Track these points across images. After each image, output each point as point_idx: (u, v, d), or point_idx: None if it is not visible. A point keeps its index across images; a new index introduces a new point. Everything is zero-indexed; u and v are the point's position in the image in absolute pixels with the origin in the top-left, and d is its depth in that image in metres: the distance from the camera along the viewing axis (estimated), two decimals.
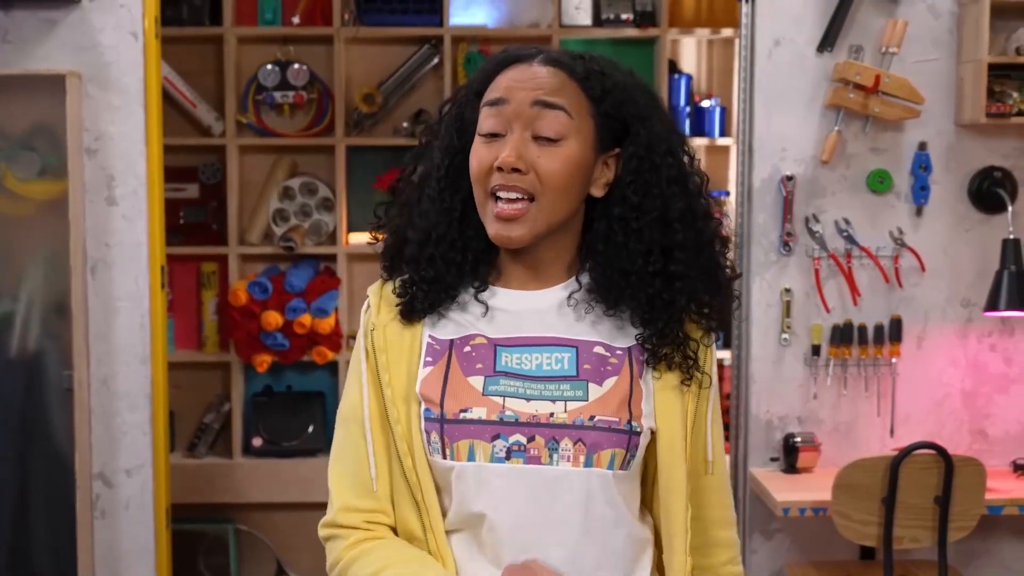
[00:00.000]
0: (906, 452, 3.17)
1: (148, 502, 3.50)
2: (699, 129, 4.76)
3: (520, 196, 1.53)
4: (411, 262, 1.60)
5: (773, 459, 3.62)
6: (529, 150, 1.53)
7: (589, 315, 1.59)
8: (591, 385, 1.55)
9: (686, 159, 1.60)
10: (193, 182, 4.71)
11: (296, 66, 4.62)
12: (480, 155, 1.55)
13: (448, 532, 1.57)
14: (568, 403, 1.54)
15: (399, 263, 1.62)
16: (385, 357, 1.59)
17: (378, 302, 1.63)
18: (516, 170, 1.52)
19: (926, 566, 3.36)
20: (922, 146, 3.57)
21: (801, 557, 3.66)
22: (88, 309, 3.43)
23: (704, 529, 1.65)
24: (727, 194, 4.75)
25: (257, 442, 4.61)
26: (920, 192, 3.57)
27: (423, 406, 1.56)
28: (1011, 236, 3.47)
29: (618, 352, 1.58)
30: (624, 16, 4.64)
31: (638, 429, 1.55)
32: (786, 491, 3.39)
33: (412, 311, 1.59)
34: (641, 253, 1.55)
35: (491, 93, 1.56)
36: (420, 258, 1.59)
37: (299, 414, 4.64)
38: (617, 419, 1.54)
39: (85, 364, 3.41)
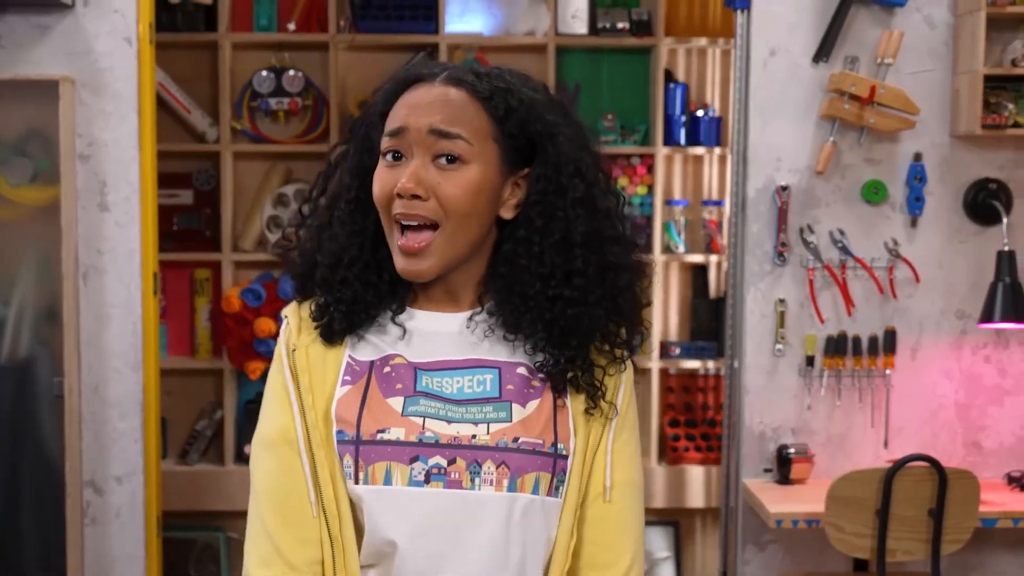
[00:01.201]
0: (900, 464, 3.16)
1: (139, 510, 3.49)
2: (694, 139, 4.76)
3: (423, 224, 1.47)
4: (323, 284, 1.53)
5: (766, 470, 3.61)
6: (430, 174, 1.47)
7: (498, 336, 1.53)
8: (515, 406, 1.49)
9: (601, 177, 1.54)
10: (187, 188, 4.70)
11: (291, 73, 4.61)
12: (382, 179, 1.49)
13: (362, 567, 1.49)
14: (491, 424, 1.48)
15: (310, 286, 1.56)
16: (307, 378, 1.52)
17: (298, 322, 1.56)
18: (416, 196, 1.46)
19: None
20: (917, 157, 3.56)
21: (794, 569, 3.65)
22: (79, 315, 3.42)
23: (586, 565, 1.54)
24: (721, 204, 4.75)
25: (249, 450, 4.58)
26: (915, 203, 3.56)
27: (336, 427, 1.49)
28: (1006, 248, 3.46)
29: (540, 375, 1.52)
30: (620, 25, 4.64)
31: (564, 452, 1.49)
32: (779, 502, 3.38)
33: (331, 332, 1.52)
34: (541, 277, 1.49)
35: (390, 123, 1.50)
36: (332, 281, 1.52)
37: None
38: (541, 441, 1.48)
39: (76, 371, 3.40)
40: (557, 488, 1.49)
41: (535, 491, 1.47)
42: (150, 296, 3.47)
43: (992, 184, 3.57)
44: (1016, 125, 3.44)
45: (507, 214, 1.52)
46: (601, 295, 1.51)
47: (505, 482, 1.46)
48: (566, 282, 1.49)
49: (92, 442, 3.46)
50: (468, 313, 1.54)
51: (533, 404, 1.50)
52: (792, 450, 3.54)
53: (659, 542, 4.75)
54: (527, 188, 1.51)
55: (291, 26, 4.63)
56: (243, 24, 4.64)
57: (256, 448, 1.55)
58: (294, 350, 1.53)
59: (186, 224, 4.68)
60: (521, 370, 1.52)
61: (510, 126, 1.49)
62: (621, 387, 1.56)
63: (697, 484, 4.72)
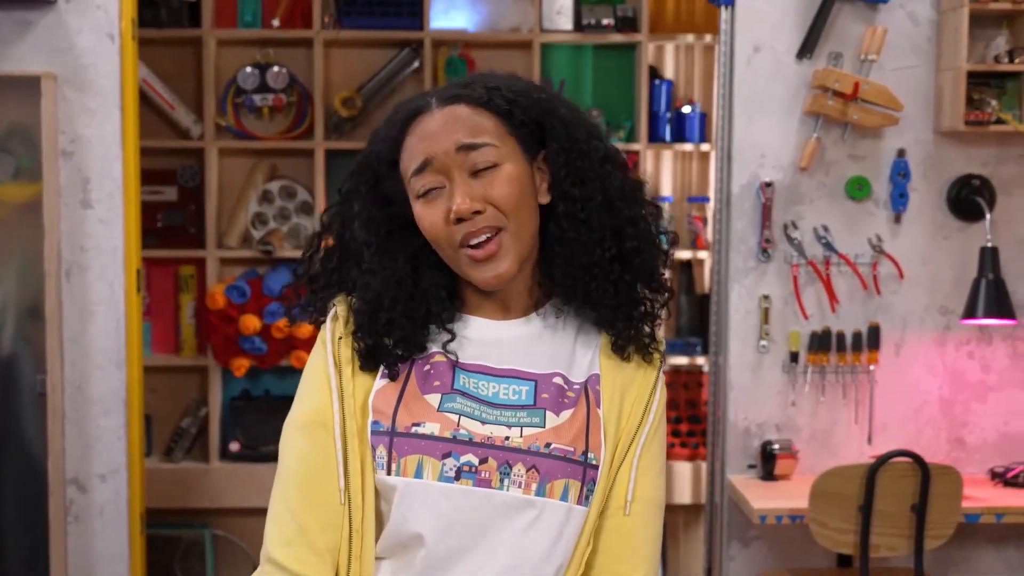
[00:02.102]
0: (883, 460, 3.17)
1: (123, 507, 3.48)
2: (679, 135, 4.76)
3: (489, 235, 1.48)
4: (366, 330, 1.54)
5: (751, 466, 3.62)
6: (474, 188, 1.48)
7: (551, 336, 1.56)
8: (548, 414, 1.51)
9: (597, 131, 1.57)
10: (171, 185, 4.68)
11: (275, 69, 4.60)
12: (430, 217, 1.50)
13: (376, 558, 1.51)
14: (524, 428, 1.49)
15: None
16: (350, 369, 1.54)
17: (346, 312, 1.57)
18: (476, 212, 1.47)
19: (903, 574, 3.36)
20: (901, 153, 3.57)
21: (778, 565, 3.65)
22: (63, 313, 3.40)
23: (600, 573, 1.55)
24: (706, 200, 4.75)
25: (234, 447, 4.59)
26: (899, 199, 3.57)
27: (371, 418, 1.51)
28: (989, 244, 3.47)
29: (575, 386, 1.54)
30: (605, 21, 4.64)
31: (595, 462, 1.51)
32: (763, 498, 3.38)
33: (390, 364, 1.54)
34: (595, 242, 1.52)
35: (411, 161, 1.51)
36: (377, 325, 1.52)
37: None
38: (572, 449, 1.49)
39: (59, 368, 3.38)
40: (587, 497, 1.50)
41: (564, 498, 1.48)
42: (133, 293, 3.46)
43: (975, 180, 3.58)
44: (999, 121, 3.45)
45: (544, 199, 1.54)
46: (649, 240, 1.56)
47: (534, 486, 1.47)
48: (620, 237, 1.53)
49: (76, 439, 3.45)
50: (519, 321, 1.56)
51: (567, 413, 1.51)
52: (776, 446, 3.55)
53: None
54: (551, 167, 1.54)
55: (275, 22, 4.62)
56: (227, 20, 4.63)
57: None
58: (340, 339, 1.54)
59: (170, 221, 4.67)
60: (557, 380, 1.54)
61: (516, 117, 1.52)
62: (655, 403, 1.57)
63: (682, 480, 4.73)
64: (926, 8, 3.54)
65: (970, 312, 3.48)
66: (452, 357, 1.53)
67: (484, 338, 1.55)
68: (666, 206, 4.80)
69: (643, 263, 1.55)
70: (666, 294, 1.59)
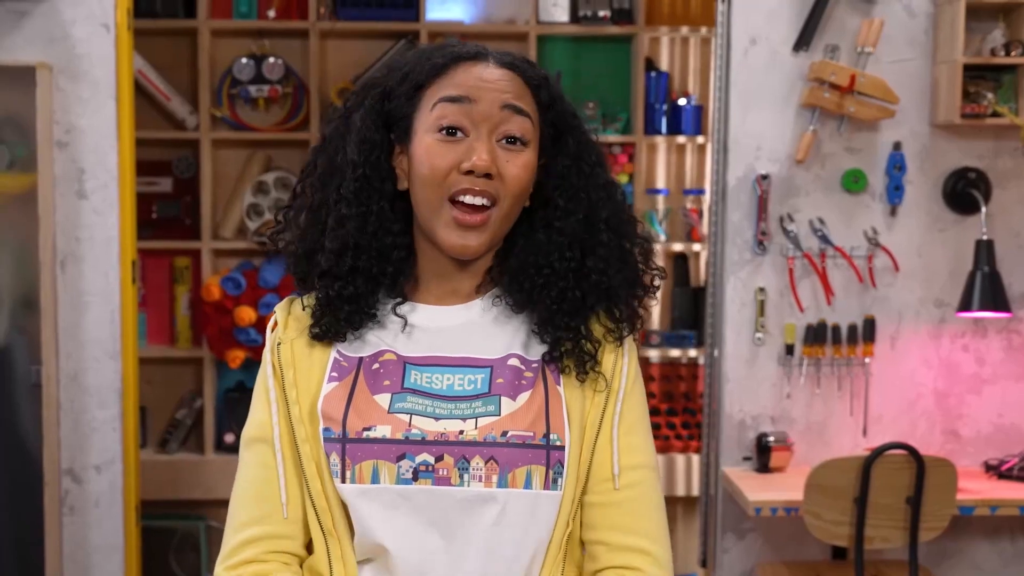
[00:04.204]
0: (878, 452, 3.18)
1: (118, 499, 3.48)
2: (675, 127, 4.76)
3: (486, 203, 1.44)
4: (326, 276, 1.48)
5: (746, 458, 3.62)
6: (498, 154, 1.45)
7: (499, 319, 1.52)
8: (504, 399, 1.45)
9: (602, 160, 1.56)
10: (167, 176, 4.67)
11: (271, 60, 4.59)
12: (439, 154, 1.44)
13: (359, 562, 1.47)
14: (479, 419, 1.44)
15: (312, 277, 1.51)
16: (292, 373, 1.49)
17: (285, 318, 1.53)
18: (489, 175, 1.43)
19: (897, 566, 3.37)
20: (897, 146, 3.57)
21: (773, 557, 3.66)
22: (57, 304, 3.40)
23: (605, 554, 1.50)
24: (702, 192, 4.75)
25: (229, 438, 4.58)
26: (894, 192, 3.57)
27: (323, 425, 1.45)
28: (984, 237, 3.48)
29: (533, 364, 1.49)
30: (601, 13, 4.63)
31: (559, 443, 1.44)
32: (758, 490, 3.39)
33: (334, 333, 1.49)
34: (559, 247, 1.49)
35: (451, 89, 1.45)
36: (340, 272, 1.47)
37: None
38: (531, 433, 1.43)
39: (54, 359, 3.38)
40: (555, 480, 1.44)
41: (527, 485, 1.42)
42: (128, 284, 3.45)
43: (971, 173, 3.58)
44: (995, 114, 3.45)
45: (526, 201, 1.53)
46: (618, 270, 1.51)
47: (495, 477, 1.42)
48: (586, 254, 1.50)
49: (71, 431, 3.44)
50: (472, 304, 1.52)
51: (524, 396, 1.46)
52: (771, 438, 3.55)
53: None
54: (544, 173, 1.51)
55: (271, 13, 4.61)
56: (223, 11, 4.62)
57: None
58: (279, 344, 1.50)
59: (166, 212, 4.66)
60: (513, 361, 1.49)
61: (551, 115, 1.51)
62: (624, 366, 1.51)
63: (677, 472, 4.73)
64: (922, 1, 3.53)
65: (965, 305, 3.48)
66: (400, 352, 1.49)
67: (433, 326, 1.50)
68: (661, 198, 4.80)
69: (604, 288, 1.50)
70: (624, 325, 1.52)
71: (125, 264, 3.44)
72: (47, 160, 3.33)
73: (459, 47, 1.49)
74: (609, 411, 1.49)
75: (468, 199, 1.44)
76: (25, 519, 3.37)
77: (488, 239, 1.46)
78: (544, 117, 1.50)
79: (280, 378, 1.49)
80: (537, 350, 1.50)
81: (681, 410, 4.78)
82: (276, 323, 1.53)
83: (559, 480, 1.44)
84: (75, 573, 3.47)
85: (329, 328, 1.49)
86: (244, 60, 4.59)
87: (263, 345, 1.57)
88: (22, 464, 3.37)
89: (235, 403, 4.61)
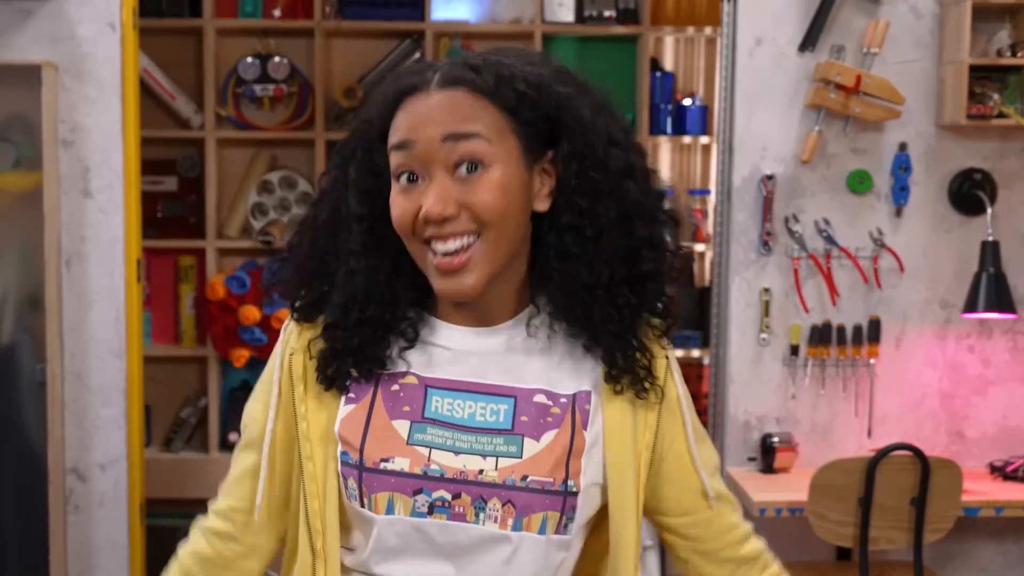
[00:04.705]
0: (883, 453, 3.17)
1: (122, 497, 3.48)
2: (680, 128, 4.75)
3: (462, 245, 1.34)
4: (334, 328, 1.42)
5: (750, 459, 3.62)
6: (453, 189, 1.33)
7: (534, 348, 1.43)
8: (527, 440, 1.39)
9: (622, 136, 1.41)
10: (171, 175, 4.68)
11: (276, 59, 4.59)
12: (400, 206, 1.36)
13: (353, 571, 1.44)
14: (500, 459, 1.38)
15: (320, 327, 1.44)
16: (303, 387, 1.43)
17: (299, 327, 1.46)
18: (447, 218, 1.33)
19: (902, 567, 3.36)
20: (902, 147, 3.56)
21: (777, 557, 3.64)
22: (62, 302, 3.40)
23: (729, 559, 1.55)
24: (707, 193, 4.75)
25: (234, 437, 4.57)
26: (900, 193, 3.57)
27: (340, 448, 1.41)
28: (990, 238, 3.47)
29: (562, 400, 1.42)
30: (607, 13, 4.63)
31: (574, 488, 1.39)
32: (763, 491, 3.38)
33: (340, 383, 1.43)
34: (604, 262, 1.38)
35: (393, 136, 1.36)
36: (345, 325, 1.41)
37: None
38: (551, 479, 1.38)
39: (59, 358, 3.38)
40: (566, 526, 1.40)
41: (542, 531, 1.39)
42: (133, 283, 3.46)
43: (977, 174, 3.57)
44: (1001, 115, 3.44)
45: (541, 206, 1.39)
46: (666, 263, 1.43)
47: (510, 520, 1.38)
48: (636, 259, 1.39)
49: (75, 429, 3.45)
50: (502, 328, 1.43)
51: (549, 436, 1.40)
52: (776, 439, 3.55)
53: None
54: (558, 171, 1.39)
55: (276, 12, 4.61)
56: (228, 10, 4.62)
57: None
58: (292, 355, 1.45)
59: (170, 211, 4.66)
60: (539, 398, 1.41)
61: (524, 113, 1.36)
62: (676, 379, 1.48)
63: None
64: (928, 1, 3.53)
65: (971, 306, 3.47)
66: (422, 373, 1.43)
67: (458, 349, 1.43)
68: (666, 199, 4.79)
69: (656, 288, 1.42)
70: (670, 320, 1.46)
71: (130, 263, 3.44)
72: (52, 159, 3.33)
73: (402, 79, 1.39)
74: (679, 436, 1.49)
75: (439, 247, 1.35)
76: (30, 517, 3.37)
77: (482, 275, 1.36)
78: (517, 118, 1.36)
79: (289, 390, 1.45)
80: (568, 384, 1.43)
81: None
82: (290, 327, 1.48)
83: (570, 526, 1.41)
84: (79, 572, 3.48)
85: (337, 376, 1.43)
86: (249, 59, 4.59)
87: (268, 344, 1.55)
88: (27, 463, 3.38)
89: (239, 402, 4.59)
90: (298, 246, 1.47)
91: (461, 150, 1.33)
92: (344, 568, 1.45)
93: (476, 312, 1.43)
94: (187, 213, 4.67)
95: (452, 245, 1.34)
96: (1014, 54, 3.44)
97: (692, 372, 4.81)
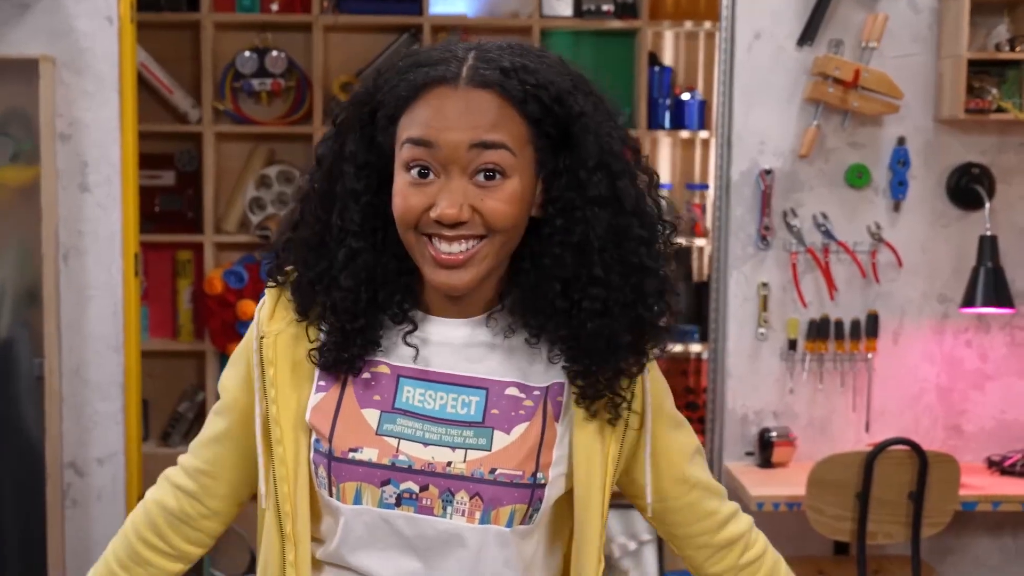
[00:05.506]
0: (881, 448, 3.17)
1: (120, 492, 3.48)
2: (678, 122, 4.75)
3: (468, 247, 1.34)
4: (340, 312, 1.39)
5: (748, 453, 3.62)
6: (469, 194, 1.32)
7: (508, 342, 1.42)
8: (497, 433, 1.39)
9: (629, 162, 1.39)
10: (169, 169, 4.67)
11: (274, 53, 4.59)
12: (409, 200, 1.34)
13: (324, 563, 1.44)
14: (469, 451, 1.38)
15: (318, 308, 1.42)
16: (273, 371, 1.42)
17: (274, 304, 1.44)
18: (460, 223, 1.32)
19: (899, 561, 3.37)
20: (901, 141, 3.56)
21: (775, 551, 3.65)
22: (60, 297, 3.40)
23: (706, 544, 1.55)
24: (706, 187, 4.75)
25: None
26: (898, 187, 3.57)
27: (314, 437, 1.41)
28: (988, 233, 3.47)
29: (535, 392, 1.41)
30: (605, 7, 4.62)
31: (543, 480, 1.38)
32: (760, 485, 3.39)
33: (344, 368, 1.41)
34: (562, 282, 1.37)
35: (415, 129, 1.33)
36: (357, 309, 1.39)
37: None
38: (520, 472, 1.37)
39: (56, 352, 3.38)
40: (531, 516, 1.40)
41: (509, 524, 1.38)
42: (131, 277, 3.45)
43: (975, 169, 3.57)
44: (999, 110, 3.44)
45: (536, 212, 1.39)
46: (623, 303, 1.37)
47: (478, 514, 1.37)
48: (586, 290, 1.37)
49: (73, 424, 3.44)
50: (476, 319, 1.42)
51: (519, 429, 1.39)
52: (774, 433, 3.55)
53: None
54: (559, 183, 1.37)
55: (274, 6, 4.61)
56: (226, 4, 4.62)
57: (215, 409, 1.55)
58: (263, 338, 1.43)
59: (168, 205, 4.66)
60: (511, 390, 1.41)
61: (545, 127, 1.35)
62: (646, 391, 1.45)
63: None
64: None
65: (969, 301, 3.47)
66: (394, 363, 1.42)
67: (434, 339, 1.42)
68: (664, 193, 4.79)
69: (601, 329, 1.38)
70: (653, 351, 1.43)
71: (128, 257, 3.44)
72: (50, 153, 3.32)
73: (430, 68, 1.34)
74: (639, 448, 1.47)
75: (444, 247, 1.34)
76: (28, 512, 3.37)
77: (477, 273, 1.35)
78: (537, 130, 1.35)
79: (261, 371, 1.43)
80: (542, 377, 1.42)
81: (684, 405, 4.78)
82: (263, 308, 1.46)
83: (535, 516, 1.40)
84: (77, 566, 3.47)
85: (338, 361, 1.41)
86: (247, 53, 4.58)
87: None
88: (24, 457, 3.37)
89: None
90: (301, 222, 1.44)
91: (485, 159, 1.32)
92: (315, 561, 1.45)
93: (456, 303, 1.42)
94: (185, 208, 4.67)
95: (457, 247, 1.34)
96: (1012, 48, 3.44)
97: (690, 367, 4.81)
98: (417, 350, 1.42)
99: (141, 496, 3.65)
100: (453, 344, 1.42)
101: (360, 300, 1.39)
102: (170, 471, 1.57)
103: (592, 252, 1.36)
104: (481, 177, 1.33)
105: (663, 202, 1.44)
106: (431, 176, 1.33)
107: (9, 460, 3.40)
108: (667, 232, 1.43)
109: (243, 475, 1.51)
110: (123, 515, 3.48)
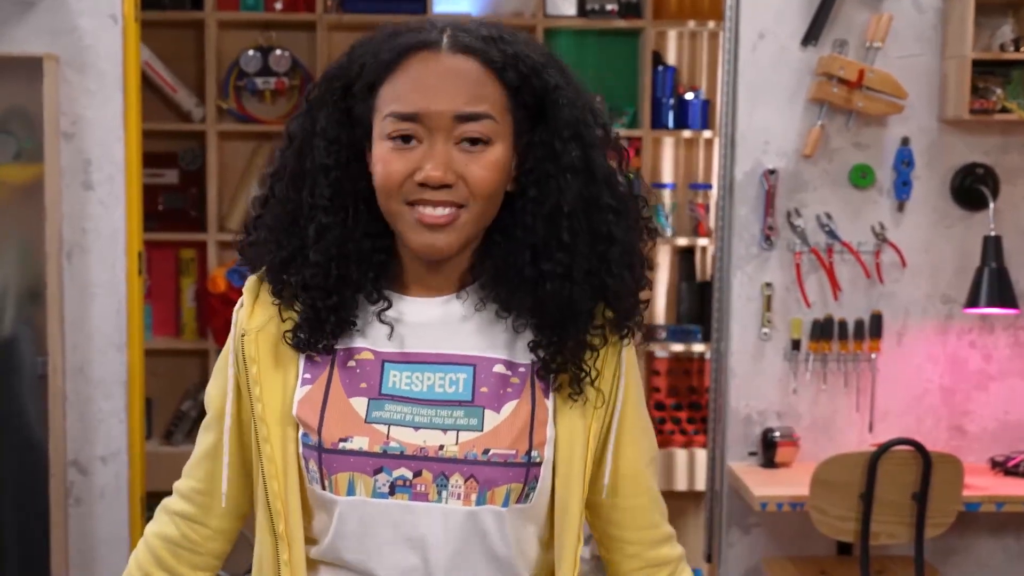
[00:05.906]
0: (884, 448, 3.17)
1: (123, 490, 3.48)
2: (682, 122, 4.75)
3: (447, 212, 1.34)
4: (312, 289, 1.38)
5: (751, 453, 3.61)
6: (455, 159, 1.33)
7: (480, 315, 1.41)
8: (487, 412, 1.38)
9: (600, 138, 1.41)
10: (173, 168, 4.68)
11: (278, 52, 4.59)
12: (392, 165, 1.34)
13: (319, 563, 1.43)
14: (460, 433, 1.37)
15: (291, 288, 1.40)
16: (256, 369, 1.40)
17: (253, 301, 1.43)
18: (445, 185, 1.33)
19: (903, 562, 3.36)
20: (905, 142, 3.56)
21: (778, 552, 3.66)
22: (63, 295, 3.40)
23: (637, 555, 1.51)
24: (709, 187, 4.75)
25: None
26: (902, 188, 3.56)
27: (301, 431, 1.39)
28: (992, 233, 3.47)
29: (520, 369, 1.41)
30: (609, 7, 4.62)
31: (537, 459, 1.38)
32: (764, 486, 3.38)
33: (316, 347, 1.40)
34: (532, 249, 1.37)
35: (395, 103, 1.34)
36: (328, 285, 1.38)
37: None
38: (514, 451, 1.36)
39: (60, 350, 3.38)
40: (528, 495, 1.39)
41: (505, 503, 1.37)
42: (135, 276, 3.45)
43: (979, 169, 3.57)
44: (1004, 110, 3.44)
45: (511, 187, 1.40)
46: (588, 270, 1.38)
47: (474, 496, 1.36)
48: (552, 255, 1.37)
49: (76, 422, 3.44)
50: (454, 296, 1.42)
51: (509, 407, 1.39)
52: (777, 433, 3.55)
53: None
54: (532, 155, 1.39)
55: (278, 5, 4.61)
56: (230, 3, 4.62)
57: (203, 426, 1.53)
58: (243, 335, 1.41)
59: (172, 204, 4.67)
60: (499, 367, 1.40)
61: (522, 96, 1.37)
62: (621, 374, 1.43)
63: (682, 467, 4.73)
64: None
65: (972, 301, 3.47)
66: (378, 348, 1.41)
67: (412, 320, 1.41)
68: (667, 193, 4.79)
69: (562, 292, 1.38)
70: (625, 324, 1.42)
71: (131, 256, 3.44)
72: (53, 151, 3.32)
73: (409, 35, 1.36)
74: (609, 423, 1.44)
75: (428, 211, 1.34)
76: (31, 511, 3.37)
77: (458, 238, 1.36)
78: (515, 100, 1.36)
79: (243, 371, 1.41)
80: (525, 354, 1.41)
81: (687, 405, 4.77)
82: (243, 304, 1.44)
83: (531, 495, 1.39)
84: (80, 564, 3.48)
85: (313, 341, 1.40)
86: (251, 52, 4.59)
87: None
88: (28, 456, 3.37)
89: None
90: (272, 199, 1.43)
91: (470, 128, 1.34)
92: (309, 561, 1.43)
93: (431, 282, 1.42)
94: (188, 206, 4.67)
95: (441, 211, 1.34)
96: (1017, 49, 3.44)
97: (694, 366, 4.81)
98: (392, 327, 1.41)
99: (144, 495, 3.66)
100: (430, 323, 1.41)
101: (331, 276, 1.38)
102: (166, 501, 1.55)
103: (561, 218, 1.37)
104: (467, 144, 1.34)
105: (633, 177, 1.45)
106: (413, 142, 1.34)
107: (12, 458, 3.40)
108: (640, 206, 1.44)
109: (241, 486, 1.48)
110: (126, 514, 3.49)
